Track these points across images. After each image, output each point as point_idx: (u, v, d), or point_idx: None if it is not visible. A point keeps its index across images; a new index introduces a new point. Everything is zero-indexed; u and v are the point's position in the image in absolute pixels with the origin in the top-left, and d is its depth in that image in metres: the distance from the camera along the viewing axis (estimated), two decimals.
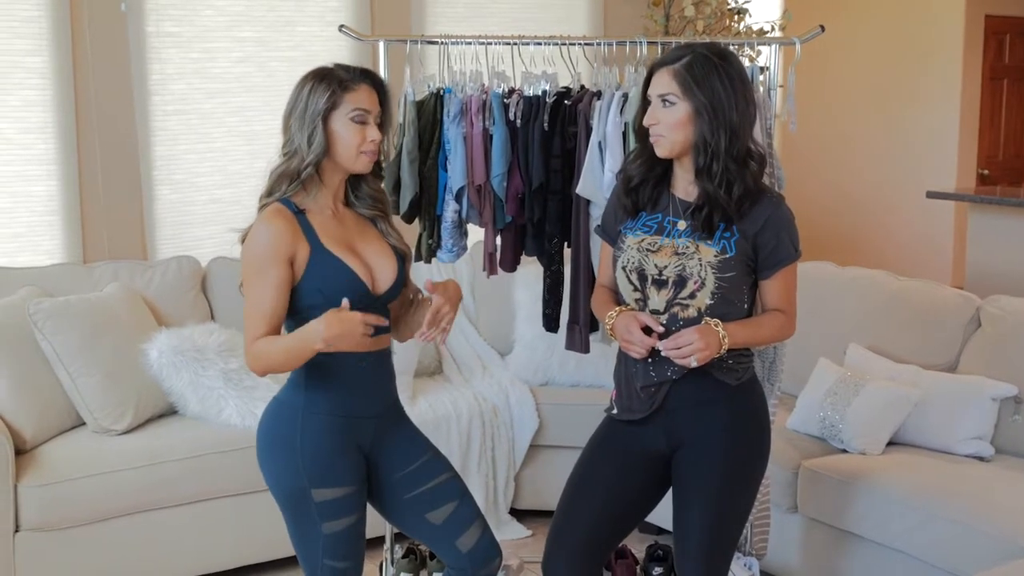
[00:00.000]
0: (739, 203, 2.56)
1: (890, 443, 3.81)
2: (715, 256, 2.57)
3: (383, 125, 2.59)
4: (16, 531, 3.56)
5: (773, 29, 5.84)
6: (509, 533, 4.36)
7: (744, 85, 2.56)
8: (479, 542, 2.69)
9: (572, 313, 3.42)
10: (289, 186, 2.51)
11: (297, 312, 2.51)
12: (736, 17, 5.79)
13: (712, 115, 2.51)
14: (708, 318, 2.57)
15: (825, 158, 8.07)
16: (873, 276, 4.43)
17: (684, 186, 2.66)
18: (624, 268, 2.66)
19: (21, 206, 4.48)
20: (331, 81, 2.50)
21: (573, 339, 3.41)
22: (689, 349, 2.51)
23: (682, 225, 2.62)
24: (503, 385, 4.51)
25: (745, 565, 3.47)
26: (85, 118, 4.58)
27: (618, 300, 2.74)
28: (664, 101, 2.56)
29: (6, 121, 4.42)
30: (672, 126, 2.55)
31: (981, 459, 3.72)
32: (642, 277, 2.63)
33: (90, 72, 4.56)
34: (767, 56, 3.44)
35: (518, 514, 4.48)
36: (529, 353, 4.61)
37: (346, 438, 2.56)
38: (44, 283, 4.15)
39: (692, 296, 2.58)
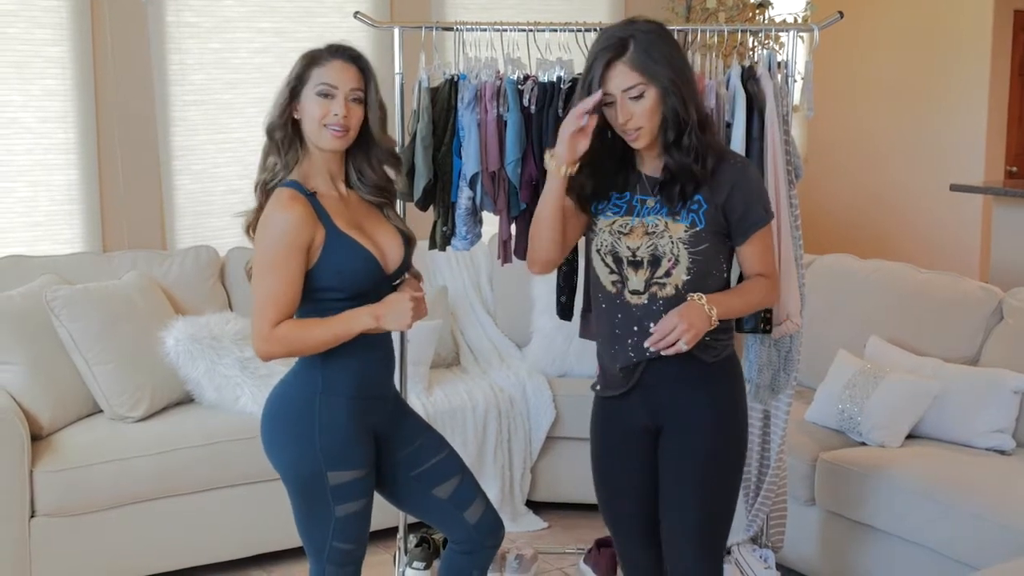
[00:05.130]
0: (713, 171, 2.54)
1: (909, 436, 3.77)
2: (685, 231, 2.54)
3: (367, 104, 2.57)
4: (32, 516, 3.59)
5: (796, 22, 5.79)
6: (525, 525, 4.34)
7: (680, 48, 2.56)
8: (485, 514, 2.74)
9: (586, 302, 3.40)
10: (276, 162, 2.53)
11: (311, 295, 2.51)
12: (758, 9, 5.74)
13: (676, 88, 2.48)
14: (692, 294, 2.53)
15: (852, 153, 8.00)
16: (895, 268, 4.39)
17: (651, 162, 2.61)
18: (599, 251, 2.64)
19: (41, 195, 4.50)
20: (305, 56, 2.54)
21: (587, 328, 3.38)
22: (674, 335, 2.46)
23: (651, 203, 2.59)
24: (520, 376, 4.49)
25: (761, 557, 3.44)
26: (105, 108, 4.59)
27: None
28: (631, 96, 2.49)
29: (27, 110, 4.44)
30: (646, 114, 2.50)
31: (1002, 452, 3.68)
32: (617, 259, 2.61)
33: (110, 62, 4.58)
34: (788, 46, 3.40)
35: (534, 506, 4.46)
36: (547, 344, 4.59)
37: (363, 420, 2.58)
38: (63, 271, 4.17)
39: (668, 274, 2.55)
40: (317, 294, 2.51)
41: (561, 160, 2.55)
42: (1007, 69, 7.65)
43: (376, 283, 2.55)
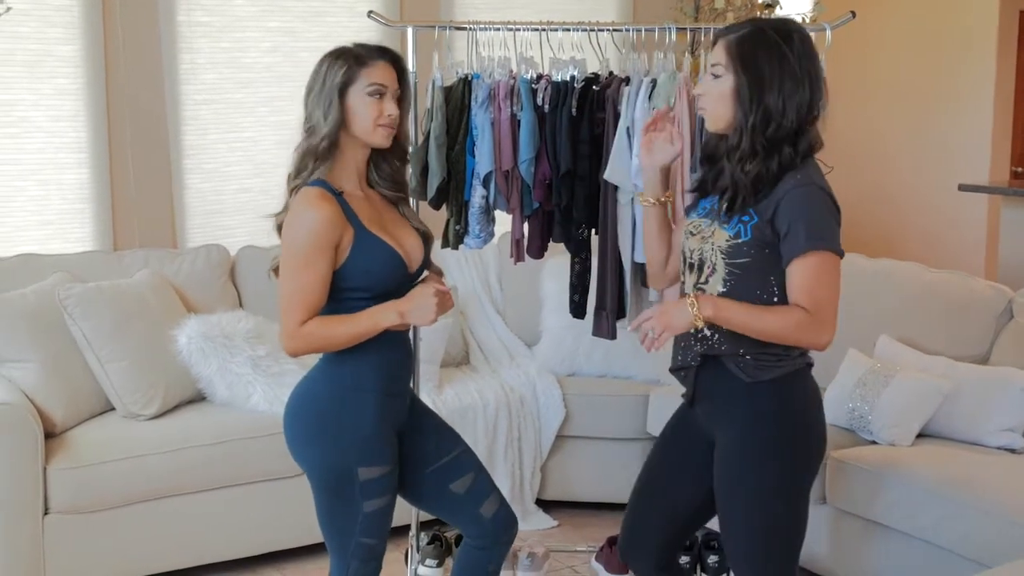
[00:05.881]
0: (755, 183, 2.41)
1: (920, 434, 3.78)
2: (727, 241, 2.46)
3: (402, 102, 2.60)
4: (45, 514, 3.59)
5: (804, 21, 5.80)
6: (535, 523, 4.34)
7: (799, 66, 2.40)
8: (500, 509, 2.76)
9: (599, 299, 3.42)
10: (314, 164, 2.53)
11: (336, 294, 2.53)
12: (766, 9, 5.75)
13: (751, 93, 2.39)
14: (691, 291, 2.50)
15: (858, 154, 8.01)
16: (904, 268, 4.39)
17: None
18: (680, 248, 2.65)
19: (52, 194, 4.52)
20: (347, 57, 2.55)
21: (600, 325, 3.41)
22: (647, 326, 2.42)
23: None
24: (530, 375, 4.50)
25: None
26: (116, 107, 4.61)
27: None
28: (713, 72, 2.46)
29: (38, 109, 4.46)
30: (715, 98, 2.45)
31: (1012, 451, 3.68)
32: (684, 259, 2.61)
33: (121, 61, 4.59)
34: None
35: (544, 504, 4.47)
36: (556, 343, 4.60)
37: (389, 416, 2.60)
38: (75, 270, 4.18)
39: (706, 282, 2.50)
40: (343, 293, 2.53)
41: (643, 188, 2.67)
42: (1012, 69, 7.66)
43: (400, 282, 2.57)
